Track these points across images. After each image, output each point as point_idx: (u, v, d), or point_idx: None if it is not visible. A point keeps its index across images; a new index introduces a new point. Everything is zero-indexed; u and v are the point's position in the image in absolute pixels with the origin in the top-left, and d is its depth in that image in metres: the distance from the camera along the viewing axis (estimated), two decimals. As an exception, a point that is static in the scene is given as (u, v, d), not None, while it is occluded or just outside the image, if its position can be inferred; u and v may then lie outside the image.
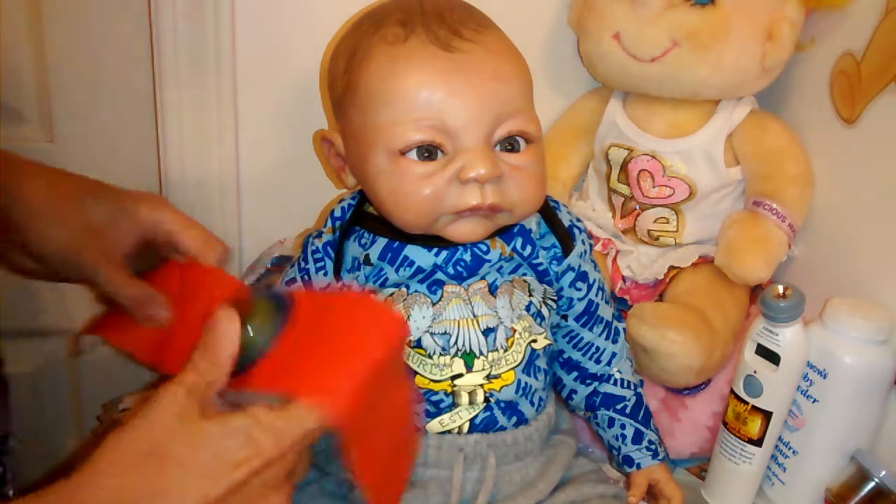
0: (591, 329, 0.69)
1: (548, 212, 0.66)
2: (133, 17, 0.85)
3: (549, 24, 0.90)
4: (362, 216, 0.64)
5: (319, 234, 0.66)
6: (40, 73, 0.87)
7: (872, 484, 0.65)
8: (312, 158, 0.90)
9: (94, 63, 0.87)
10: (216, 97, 0.86)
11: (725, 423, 0.71)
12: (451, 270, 0.61)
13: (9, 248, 0.55)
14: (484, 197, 0.57)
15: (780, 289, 0.66)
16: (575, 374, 0.70)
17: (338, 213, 0.66)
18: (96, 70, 0.88)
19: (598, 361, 0.69)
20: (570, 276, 0.66)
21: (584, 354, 0.69)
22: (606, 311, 0.70)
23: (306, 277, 0.65)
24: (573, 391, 0.70)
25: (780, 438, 0.70)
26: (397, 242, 0.61)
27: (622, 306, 0.84)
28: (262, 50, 0.86)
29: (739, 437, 0.70)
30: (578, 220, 0.69)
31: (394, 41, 0.58)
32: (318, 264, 0.65)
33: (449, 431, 0.61)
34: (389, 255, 0.61)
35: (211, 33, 0.84)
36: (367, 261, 0.62)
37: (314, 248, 0.65)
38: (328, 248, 0.65)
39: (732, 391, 0.70)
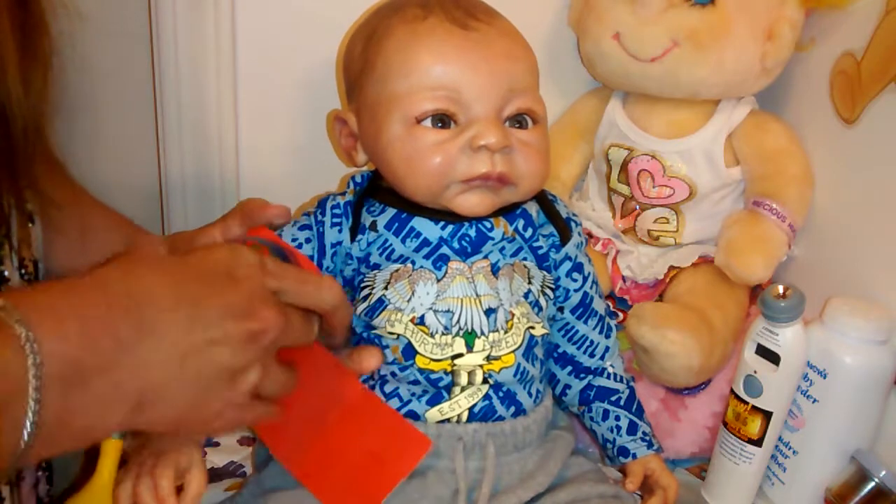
0: (585, 322, 0.70)
1: (546, 202, 0.68)
2: (133, 17, 0.85)
3: (549, 24, 0.90)
4: (376, 189, 0.66)
5: (343, 194, 0.67)
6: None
7: (872, 484, 0.65)
8: (313, 158, 0.90)
9: (94, 63, 0.87)
10: (216, 97, 0.86)
11: (725, 423, 0.71)
12: (455, 245, 0.63)
13: None
14: (493, 165, 0.60)
15: (780, 289, 0.66)
16: (569, 368, 0.71)
17: (358, 179, 0.68)
18: (96, 70, 0.88)
19: (591, 355, 0.70)
20: (567, 265, 0.68)
21: (578, 348, 0.70)
22: (600, 305, 0.71)
23: (321, 230, 0.65)
24: (567, 386, 0.71)
25: (780, 438, 0.70)
26: (405, 213, 0.63)
27: (622, 306, 0.84)
28: (263, 50, 0.86)
29: (739, 437, 0.70)
30: (574, 214, 0.71)
31: (413, 20, 0.62)
32: (336, 220, 0.65)
33: (448, 420, 0.61)
34: (396, 224, 0.63)
35: (211, 33, 0.84)
36: (373, 227, 0.64)
37: (335, 203, 0.66)
38: (348, 208, 0.66)
39: (732, 391, 0.70)
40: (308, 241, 0.65)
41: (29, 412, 0.38)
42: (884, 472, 0.65)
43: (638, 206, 0.85)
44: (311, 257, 0.65)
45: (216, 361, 0.46)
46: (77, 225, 0.69)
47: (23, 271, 0.60)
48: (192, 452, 0.55)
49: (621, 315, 0.82)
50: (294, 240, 0.65)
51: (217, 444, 0.75)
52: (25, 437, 0.39)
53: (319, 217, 0.66)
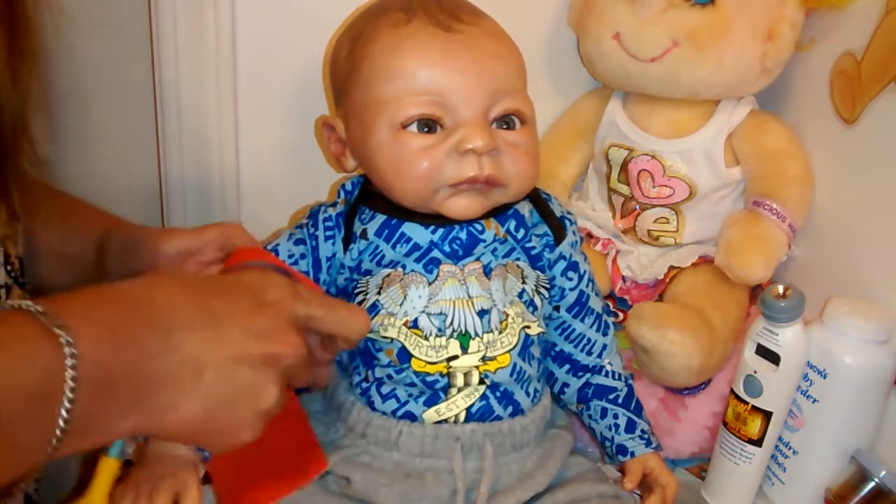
0: (582, 320, 0.70)
1: (539, 201, 0.68)
2: (133, 16, 0.85)
3: (549, 24, 0.90)
4: (367, 195, 0.66)
5: (334, 204, 0.67)
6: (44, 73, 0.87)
7: (872, 484, 0.65)
8: (313, 158, 0.90)
9: (94, 63, 0.87)
10: (216, 97, 0.86)
11: (725, 423, 0.71)
12: (446, 248, 0.63)
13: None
14: (481, 168, 0.60)
15: (780, 289, 0.66)
16: (567, 366, 0.71)
17: (348, 187, 0.68)
18: (96, 70, 0.88)
19: (589, 353, 0.70)
20: (562, 264, 0.68)
21: (575, 346, 0.70)
22: (597, 303, 0.71)
23: (314, 244, 0.65)
24: (565, 384, 0.71)
25: (780, 438, 0.70)
26: (395, 219, 0.63)
27: (622, 306, 0.84)
28: (263, 50, 0.86)
29: (739, 437, 0.70)
30: (569, 212, 0.70)
31: (397, 24, 0.62)
32: (329, 233, 0.65)
33: (445, 421, 0.61)
34: (387, 231, 0.63)
35: (211, 33, 0.84)
36: (363, 235, 0.64)
37: (326, 215, 0.66)
38: (339, 219, 0.66)
39: (732, 391, 0.70)
40: (303, 256, 0.65)
41: (62, 411, 0.40)
42: (884, 472, 0.65)
43: (638, 206, 0.85)
44: (307, 272, 0.65)
45: (234, 379, 0.47)
46: (58, 215, 0.70)
47: (9, 268, 0.61)
48: (188, 476, 0.55)
49: (621, 315, 0.82)
50: (290, 255, 0.65)
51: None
52: (58, 433, 0.40)
53: (312, 231, 0.66)
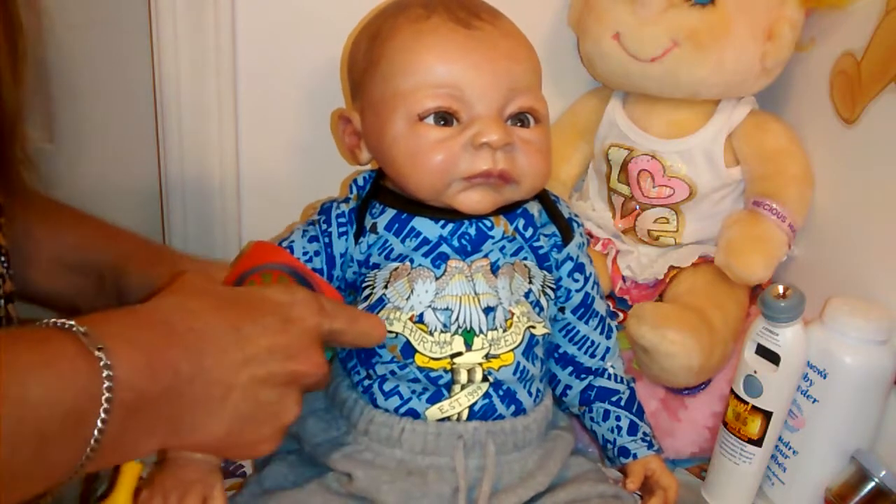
0: (586, 322, 0.70)
1: (548, 202, 0.68)
2: (133, 16, 0.85)
3: (549, 24, 0.90)
4: (378, 190, 0.67)
5: (346, 200, 0.67)
6: (40, 73, 0.87)
7: (872, 484, 0.65)
8: (313, 158, 0.90)
9: (94, 63, 0.87)
10: (216, 97, 0.86)
11: (725, 423, 0.71)
12: (455, 243, 0.63)
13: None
14: (495, 162, 0.60)
15: (780, 289, 0.66)
16: (570, 368, 0.71)
17: (360, 182, 0.68)
18: (96, 70, 0.88)
19: (592, 356, 0.70)
20: (569, 265, 0.68)
21: (579, 348, 0.70)
22: (601, 306, 0.71)
23: (328, 240, 0.66)
24: (568, 387, 0.71)
25: (780, 438, 0.70)
26: (405, 214, 0.64)
27: (622, 306, 0.84)
28: (263, 50, 0.86)
29: (739, 437, 0.70)
30: (576, 215, 0.71)
31: (417, 20, 0.62)
32: (342, 229, 0.66)
33: (448, 418, 0.61)
34: (396, 225, 0.63)
35: (211, 33, 0.84)
36: (373, 229, 0.64)
37: (339, 211, 0.66)
38: (352, 215, 0.66)
39: (732, 391, 0.70)
40: (317, 253, 0.65)
41: (95, 432, 0.41)
42: (884, 472, 0.65)
43: (638, 206, 0.85)
44: (321, 269, 0.65)
45: (258, 399, 0.49)
46: (66, 228, 0.70)
47: (3, 258, 0.61)
48: (215, 480, 0.55)
49: (621, 315, 0.82)
50: (305, 252, 0.65)
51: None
52: (88, 452, 0.41)
53: (325, 227, 0.66)
